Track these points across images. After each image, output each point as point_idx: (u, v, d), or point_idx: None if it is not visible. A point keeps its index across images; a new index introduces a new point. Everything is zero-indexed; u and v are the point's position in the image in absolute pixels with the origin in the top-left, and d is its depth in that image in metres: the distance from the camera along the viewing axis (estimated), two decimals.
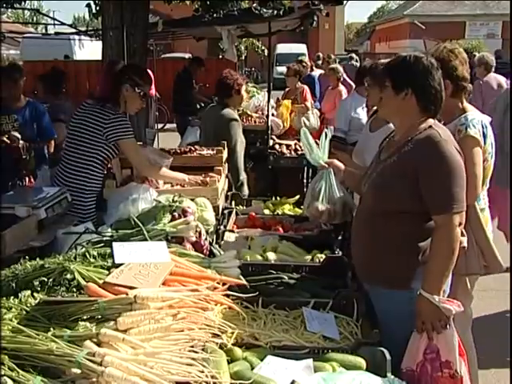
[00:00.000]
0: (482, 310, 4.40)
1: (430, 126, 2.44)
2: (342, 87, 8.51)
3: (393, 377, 1.94)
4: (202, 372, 1.67)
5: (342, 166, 3.03)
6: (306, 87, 8.20)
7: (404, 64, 2.48)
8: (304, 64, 10.07)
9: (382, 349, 2.03)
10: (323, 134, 3.13)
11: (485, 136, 2.90)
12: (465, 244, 2.66)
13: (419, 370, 2.34)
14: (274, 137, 6.95)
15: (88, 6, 7.74)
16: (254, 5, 6.55)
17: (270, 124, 6.76)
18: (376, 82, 3.68)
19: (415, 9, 37.55)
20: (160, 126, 12.49)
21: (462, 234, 2.46)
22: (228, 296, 2.22)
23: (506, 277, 4.33)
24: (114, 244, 2.35)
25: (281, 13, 5.83)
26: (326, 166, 3.01)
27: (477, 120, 2.89)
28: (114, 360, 1.58)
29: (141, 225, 2.66)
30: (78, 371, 1.60)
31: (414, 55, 2.48)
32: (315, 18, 6.76)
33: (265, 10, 5.78)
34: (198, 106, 9.51)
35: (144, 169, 3.67)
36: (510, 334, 3.94)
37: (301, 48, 25.53)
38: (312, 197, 3.04)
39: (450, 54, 2.92)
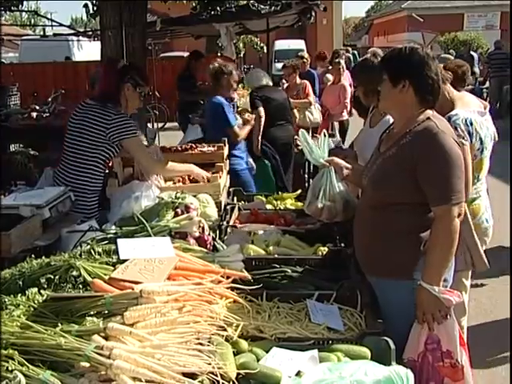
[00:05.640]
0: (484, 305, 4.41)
1: (428, 118, 2.45)
2: (344, 82, 8.56)
3: (397, 365, 1.96)
4: (209, 364, 1.68)
5: (342, 162, 3.04)
6: (307, 82, 8.24)
7: (400, 56, 2.50)
8: (305, 60, 10.05)
9: (386, 338, 2.05)
10: (322, 133, 3.14)
11: (470, 134, 2.87)
12: None
13: (420, 360, 2.36)
14: None
15: (85, 6, 7.72)
16: (252, 1, 6.55)
17: None
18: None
19: (413, 2, 37.43)
20: (160, 125, 12.51)
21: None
22: (232, 289, 2.23)
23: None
24: (119, 240, 2.37)
25: (278, 9, 5.86)
26: (327, 164, 3.02)
27: (461, 118, 2.85)
28: (122, 353, 1.60)
29: (144, 221, 2.68)
30: (87, 364, 1.62)
31: (410, 47, 2.50)
32: (313, 14, 6.76)
33: (262, 7, 5.81)
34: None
35: (153, 167, 3.67)
36: (510, 332, 3.96)
37: (299, 44, 25.39)
38: (313, 195, 3.04)
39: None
